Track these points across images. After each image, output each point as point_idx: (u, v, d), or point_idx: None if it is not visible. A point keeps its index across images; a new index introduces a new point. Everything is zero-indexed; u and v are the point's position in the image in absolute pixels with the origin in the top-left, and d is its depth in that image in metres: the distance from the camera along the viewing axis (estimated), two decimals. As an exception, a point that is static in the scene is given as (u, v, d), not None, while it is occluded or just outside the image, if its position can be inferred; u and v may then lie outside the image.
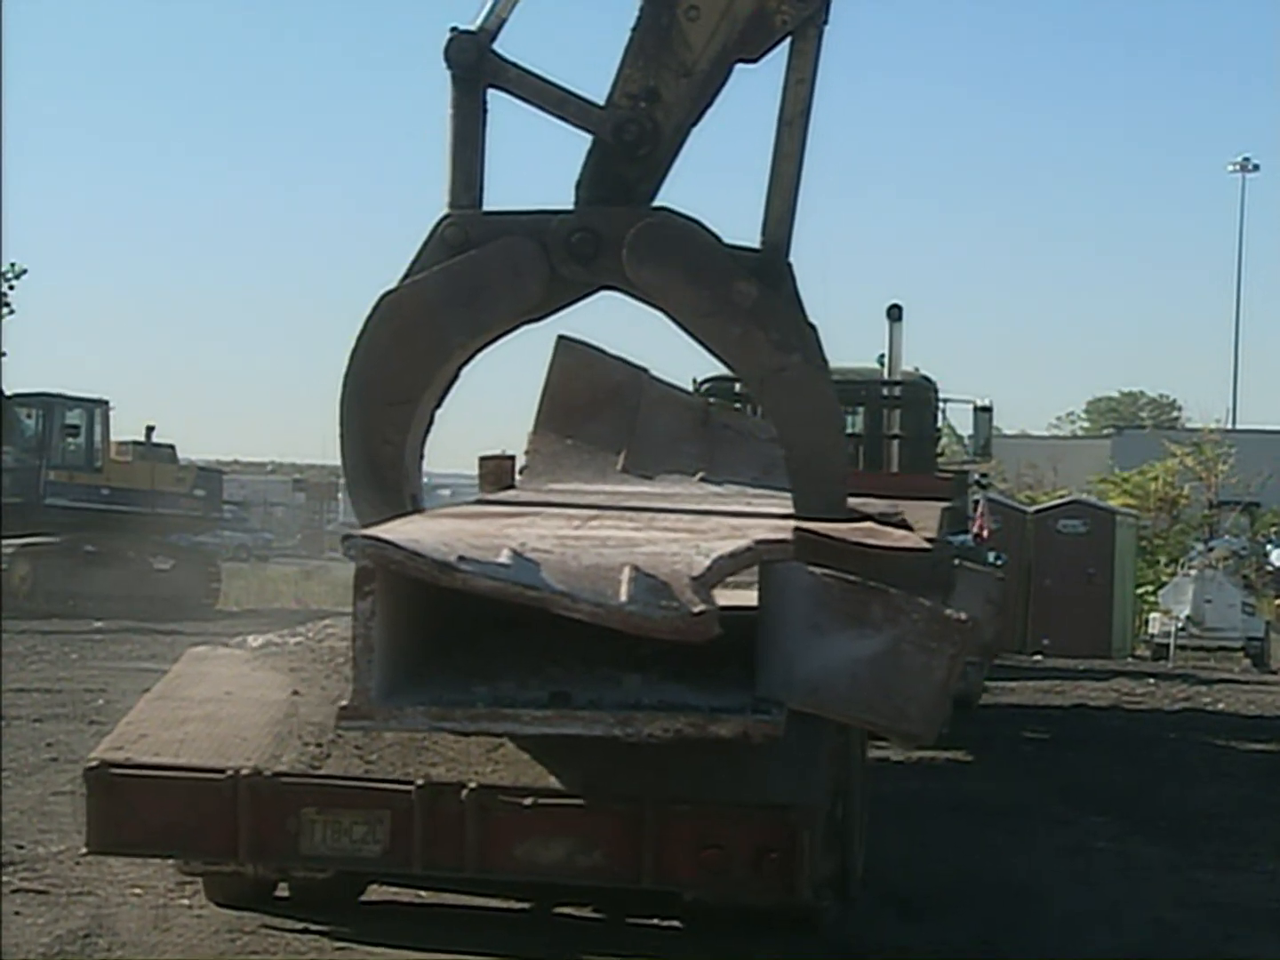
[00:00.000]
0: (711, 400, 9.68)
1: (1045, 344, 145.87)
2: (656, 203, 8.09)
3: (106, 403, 31.41)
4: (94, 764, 7.10)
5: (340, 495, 79.62)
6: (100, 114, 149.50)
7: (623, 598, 6.06)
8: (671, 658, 6.51)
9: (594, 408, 9.04)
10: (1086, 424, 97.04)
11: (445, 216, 7.99)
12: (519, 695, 6.43)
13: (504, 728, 6.44)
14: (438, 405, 8.20)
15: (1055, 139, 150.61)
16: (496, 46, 8.04)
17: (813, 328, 7.82)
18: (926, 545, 7.64)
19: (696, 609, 6.05)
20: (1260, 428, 59.65)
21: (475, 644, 6.91)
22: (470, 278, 7.85)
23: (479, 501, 8.42)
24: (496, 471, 9.13)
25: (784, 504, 7.96)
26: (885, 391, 17.25)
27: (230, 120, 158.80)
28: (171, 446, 34.91)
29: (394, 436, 7.97)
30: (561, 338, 9.03)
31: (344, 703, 6.27)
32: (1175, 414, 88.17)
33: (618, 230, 7.80)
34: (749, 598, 6.98)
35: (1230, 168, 74.53)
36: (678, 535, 7.03)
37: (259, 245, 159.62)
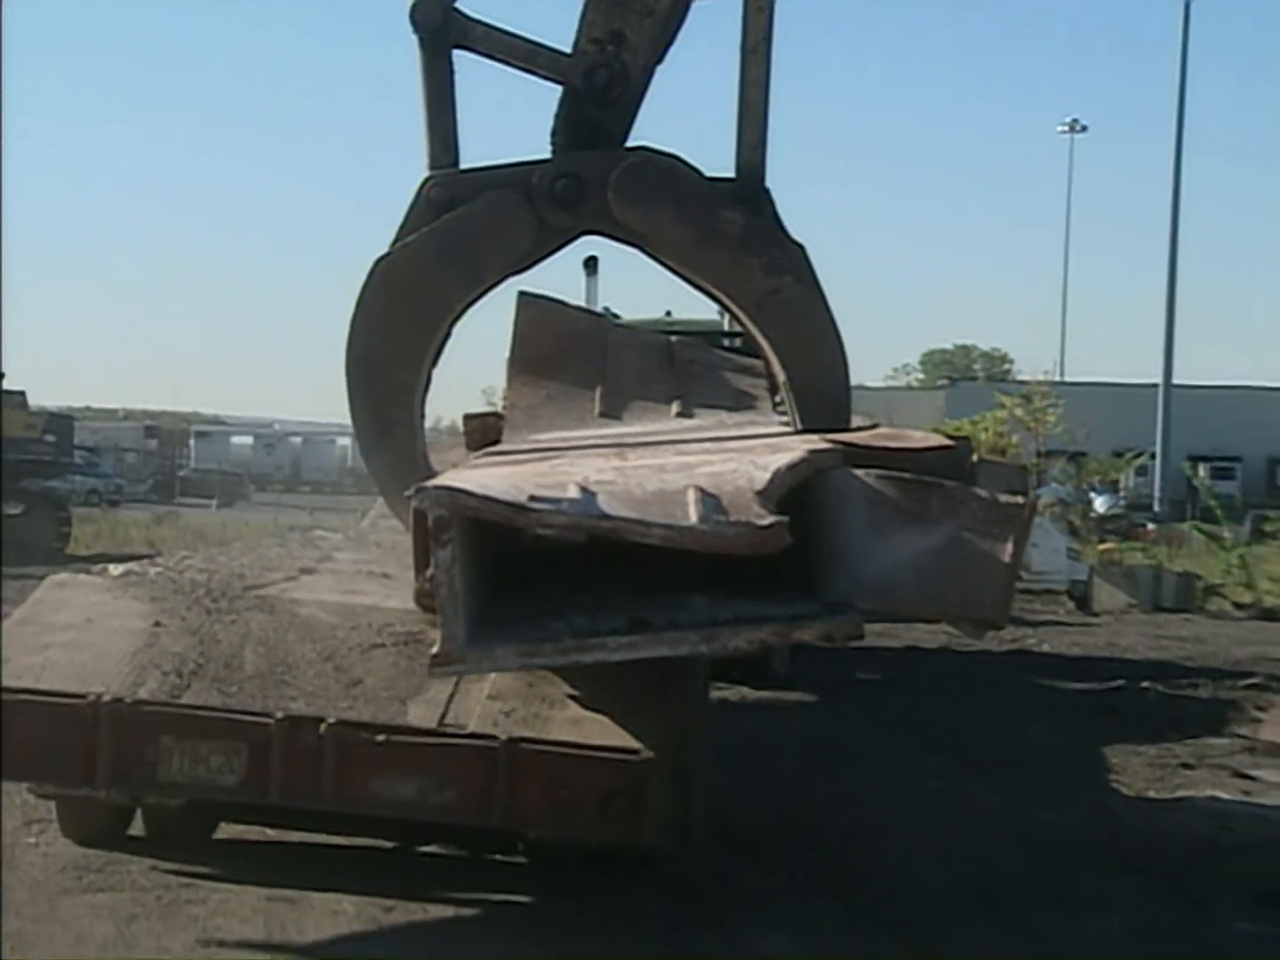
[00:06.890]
0: (674, 337, 9.72)
1: (882, 298, 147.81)
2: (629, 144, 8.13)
3: (-44, 350, 30.70)
4: None
5: (191, 442, 78.44)
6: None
7: (692, 519, 6.10)
8: (722, 577, 6.53)
9: (562, 357, 9.08)
10: (922, 376, 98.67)
11: (428, 178, 8.01)
12: (597, 626, 6.43)
13: (593, 657, 6.42)
14: (434, 364, 8.23)
15: (891, 98, 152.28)
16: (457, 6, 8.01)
17: (800, 247, 7.89)
18: (949, 443, 7.70)
19: (765, 522, 6.11)
20: (1086, 380, 61.11)
21: (526, 584, 6.92)
22: (460, 234, 7.91)
23: (488, 454, 8.25)
24: (482, 429, 9.14)
25: (780, 425, 8.06)
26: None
27: (112, 63, 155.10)
28: (22, 393, 34.20)
29: (402, 398, 8.00)
30: (522, 293, 9.09)
31: (434, 650, 6.20)
32: (1007, 366, 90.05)
33: (600, 173, 7.87)
34: None
35: (1060, 128, 76.11)
36: (728, 455, 7.09)
37: (114, 186, 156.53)
